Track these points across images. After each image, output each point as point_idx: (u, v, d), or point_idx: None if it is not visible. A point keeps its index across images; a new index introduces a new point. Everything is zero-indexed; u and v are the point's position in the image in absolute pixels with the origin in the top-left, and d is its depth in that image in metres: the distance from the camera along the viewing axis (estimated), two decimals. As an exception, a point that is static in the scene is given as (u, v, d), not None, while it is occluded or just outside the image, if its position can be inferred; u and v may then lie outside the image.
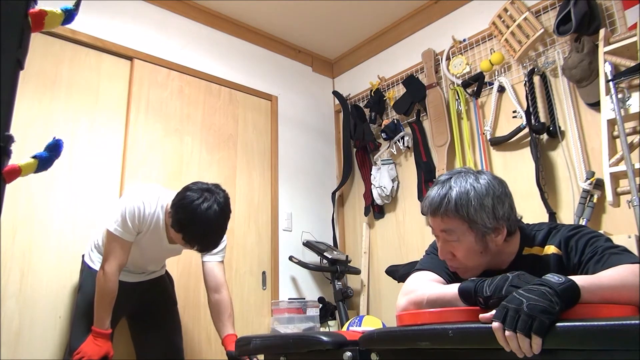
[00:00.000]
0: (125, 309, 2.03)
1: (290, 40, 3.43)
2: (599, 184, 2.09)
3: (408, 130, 3.02)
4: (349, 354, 1.18)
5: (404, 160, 3.08)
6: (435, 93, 2.86)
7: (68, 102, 2.35)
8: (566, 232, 1.14)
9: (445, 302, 1.05)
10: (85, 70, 2.45)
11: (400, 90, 3.11)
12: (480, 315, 0.90)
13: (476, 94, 2.68)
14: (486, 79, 2.66)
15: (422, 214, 1.23)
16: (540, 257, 1.15)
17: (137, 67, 2.62)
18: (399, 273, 2.55)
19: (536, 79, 2.43)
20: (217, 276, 2.02)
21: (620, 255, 1.02)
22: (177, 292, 2.24)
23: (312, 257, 3.05)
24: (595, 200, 2.09)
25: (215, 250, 1.96)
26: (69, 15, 0.81)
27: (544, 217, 2.25)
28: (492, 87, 2.61)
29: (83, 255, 2.06)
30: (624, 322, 0.74)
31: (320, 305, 2.96)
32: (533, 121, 2.35)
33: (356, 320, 2.19)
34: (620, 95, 1.96)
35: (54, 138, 0.89)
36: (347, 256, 3.03)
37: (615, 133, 2.00)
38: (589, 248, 1.08)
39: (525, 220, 1.26)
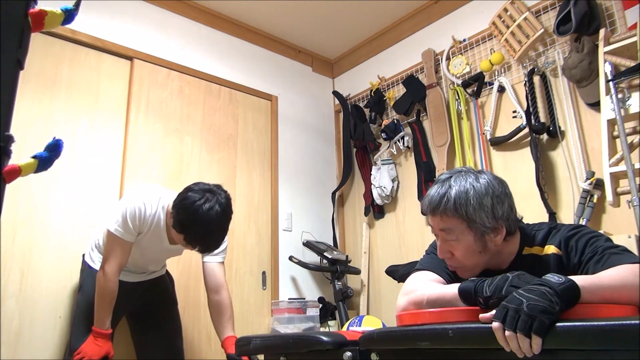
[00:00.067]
0: (126, 308, 2.03)
1: (290, 40, 3.43)
2: (599, 184, 2.09)
3: (408, 130, 3.02)
4: (349, 354, 1.18)
5: (404, 160, 3.08)
6: (435, 93, 2.86)
7: (68, 102, 2.35)
8: (566, 232, 1.14)
9: (445, 302, 1.05)
10: (85, 70, 2.45)
11: (400, 90, 3.11)
12: (480, 315, 0.90)
13: (476, 94, 2.68)
14: (486, 79, 2.66)
15: (422, 213, 1.23)
16: (540, 257, 1.15)
17: (137, 67, 2.62)
18: (399, 273, 2.55)
19: (536, 79, 2.43)
20: (218, 277, 2.02)
21: (620, 255, 1.02)
22: (177, 292, 2.24)
23: (312, 257, 3.05)
24: (595, 200, 2.09)
25: (216, 251, 1.96)
26: (69, 15, 0.81)
27: (544, 217, 2.25)
28: (492, 87, 2.61)
29: (83, 255, 2.06)
30: (624, 322, 0.74)
31: (320, 305, 2.96)
32: (533, 121, 2.35)
33: (356, 320, 2.19)
34: (620, 95, 1.96)
35: (54, 138, 0.89)
36: (347, 256, 3.03)
37: (615, 133, 2.00)
38: (589, 248, 1.08)
39: (525, 220, 1.26)
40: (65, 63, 2.39)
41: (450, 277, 1.22)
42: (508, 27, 2.49)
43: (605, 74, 2.00)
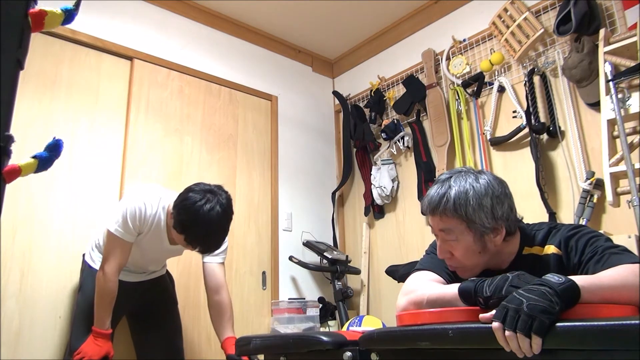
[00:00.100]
0: (126, 308, 2.03)
1: (290, 40, 3.43)
2: (599, 184, 2.09)
3: (408, 130, 3.02)
4: (349, 354, 1.18)
5: (404, 160, 3.08)
6: (435, 93, 2.86)
7: (68, 102, 2.35)
8: (566, 232, 1.14)
9: (445, 302, 1.05)
10: (85, 70, 2.45)
11: (400, 90, 3.11)
12: (480, 315, 0.90)
13: (476, 94, 2.68)
14: (486, 79, 2.66)
15: (422, 213, 1.23)
16: (540, 257, 1.15)
17: (137, 67, 2.62)
18: (399, 273, 2.55)
19: (536, 79, 2.43)
20: (218, 277, 2.01)
21: (620, 255, 1.02)
22: (177, 292, 2.24)
23: (312, 257, 3.05)
24: (595, 200, 2.09)
25: (216, 252, 1.96)
26: (69, 15, 0.81)
27: (544, 217, 2.25)
28: (492, 87, 2.61)
29: (84, 255, 2.06)
30: (624, 322, 0.74)
31: (320, 305, 2.96)
32: (533, 121, 2.35)
33: (356, 320, 2.19)
34: (620, 95, 1.96)
35: (54, 138, 0.89)
36: (347, 256, 3.03)
37: (615, 133, 2.00)
38: (589, 248, 1.08)
39: (525, 220, 1.26)
40: (65, 63, 2.39)
41: (450, 277, 1.22)
42: (508, 27, 2.49)
43: (605, 74, 2.00)
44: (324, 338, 1.25)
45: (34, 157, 0.86)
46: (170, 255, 2.09)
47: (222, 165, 2.86)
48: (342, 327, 2.66)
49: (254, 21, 3.20)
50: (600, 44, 2.08)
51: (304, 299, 2.98)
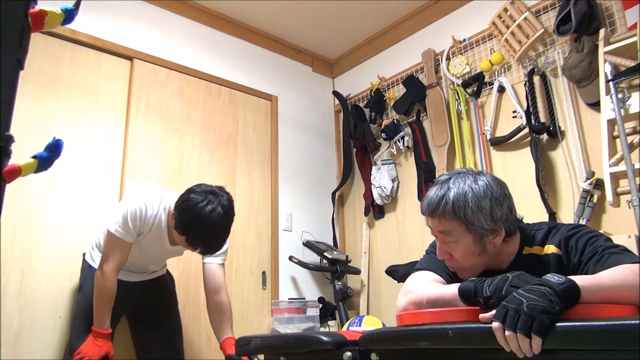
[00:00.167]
0: (126, 308, 2.03)
1: (290, 40, 3.43)
2: (599, 184, 2.09)
3: (408, 130, 3.02)
4: (349, 354, 1.18)
5: (404, 160, 3.08)
6: (435, 93, 2.86)
7: (68, 102, 2.35)
8: (566, 232, 1.14)
9: (445, 302, 1.05)
10: (85, 70, 2.45)
11: (400, 90, 3.11)
12: (480, 315, 0.90)
13: (476, 94, 2.68)
14: (486, 79, 2.66)
15: (422, 214, 1.23)
16: (540, 257, 1.15)
17: (137, 67, 2.62)
18: (399, 273, 2.55)
19: (536, 79, 2.43)
20: (217, 278, 2.01)
21: (620, 255, 1.02)
22: (177, 292, 2.24)
23: (312, 257, 3.05)
24: (595, 200, 2.09)
25: (217, 253, 1.96)
26: (69, 15, 0.81)
27: (544, 217, 2.25)
28: (492, 87, 2.61)
29: (84, 254, 2.06)
30: (624, 322, 0.74)
31: (320, 305, 2.96)
32: (533, 121, 2.35)
33: (356, 320, 2.19)
34: (620, 95, 1.96)
35: (54, 138, 0.89)
36: (347, 256, 3.03)
37: (615, 133, 2.00)
38: (588, 248, 1.08)
39: (525, 220, 1.26)
40: (65, 63, 2.39)
41: (450, 277, 1.22)
42: (508, 27, 2.49)
43: (605, 74, 2.00)
44: (324, 338, 1.25)
45: (34, 157, 0.86)
46: (170, 256, 2.09)
47: (222, 165, 2.86)
48: (342, 327, 2.66)
49: (254, 21, 3.20)
50: (600, 44, 2.08)
51: (304, 299, 2.99)
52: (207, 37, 3.02)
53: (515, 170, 2.46)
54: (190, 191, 1.73)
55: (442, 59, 2.88)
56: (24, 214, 2.11)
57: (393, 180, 3.04)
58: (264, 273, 2.90)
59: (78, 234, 2.23)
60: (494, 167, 2.57)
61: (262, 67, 3.27)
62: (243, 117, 3.06)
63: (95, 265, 1.93)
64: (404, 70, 3.14)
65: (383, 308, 3.00)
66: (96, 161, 2.38)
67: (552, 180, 2.33)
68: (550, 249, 1.14)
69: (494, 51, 2.63)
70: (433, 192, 1.17)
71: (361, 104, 3.38)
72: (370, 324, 2.11)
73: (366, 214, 3.20)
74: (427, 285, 1.17)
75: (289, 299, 2.93)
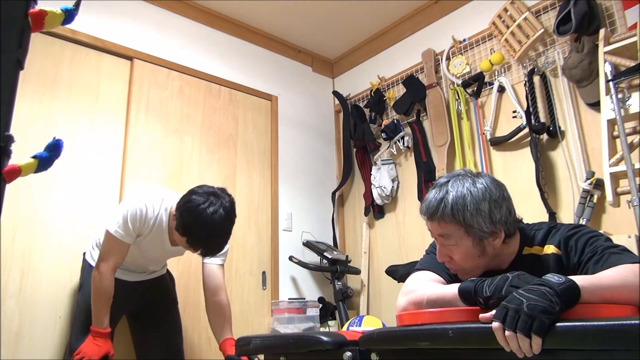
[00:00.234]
0: (126, 308, 2.03)
1: (290, 40, 3.43)
2: (599, 184, 2.08)
3: (408, 130, 3.02)
4: (349, 354, 1.18)
5: (404, 160, 3.08)
6: (435, 93, 2.86)
7: (68, 102, 2.35)
8: (566, 232, 1.14)
9: (445, 302, 1.05)
10: (85, 70, 2.45)
11: (400, 90, 3.11)
12: (480, 315, 0.90)
13: (476, 94, 2.68)
14: (486, 79, 2.66)
15: (422, 217, 1.23)
16: (539, 257, 1.15)
17: (137, 67, 2.62)
18: (399, 273, 2.55)
19: (536, 79, 2.43)
20: (217, 279, 2.01)
21: (620, 255, 1.02)
22: (178, 292, 2.24)
23: (312, 257, 3.05)
24: (595, 200, 2.09)
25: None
26: (69, 15, 0.81)
27: (544, 217, 2.25)
28: (492, 87, 2.61)
29: (84, 254, 2.06)
30: (624, 322, 0.74)
31: (320, 305, 2.96)
32: (533, 121, 2.35)
33: (356, 320, 2.19)
34: (620, 95, 1.96)
35: (54, 138, 0.89)
36: (347, 256, 3.03)
37: (615, 133, 2.00)
38: (588, 248, 1.08)
39: (525, 221, 1.26)
40: (65, 63, 2.39)
41: (450, 277, 1.22)
42: (508, 27, 2.49)
43: (605, 74, 2.00)
44: (324, 338, 1.25)
45: (34, 157, 0.86)
46: (171, 256, 2.09)
47: (222, 165, 2.86)
48: (342, 327, 2.66)
49: (254, 21, 3.20)
50: (600, 44, 2.08)
51: (304, 299, 2.98)
52: (207, 37, 3.02)
53: (515, 170, 2.46)
54: (192, 192, 1.72)
55: (442, 59, 2.88)
56: (24, 214, 2.11)
57: (393, 180, 3.04)
58: (264, 273, 2.90)
59: (78, 234, 2.23)
60: (494, 167, 2.57)
61: (262, 67, 3.27)
62: (243, 117, 3.06)
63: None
64: (404, 70, 3.14)
65: (383, 308, 3.00)
66: (96, 161, 2.38)
67: (552, 180, 2.33)
68: (550, 249, 1.14)
69: (494, 51, 2.63)
70: (432, 195, 1.17)
71: (361, 104, 3.38)
72: (370, 324, 2.11)
73: (366, 214, 3.20)
74: (427, 285, 1.17)
75: (289, 299, 2.93)
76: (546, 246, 1.15)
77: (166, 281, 2.18)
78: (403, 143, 2.99)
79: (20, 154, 0.82)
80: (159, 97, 2.68)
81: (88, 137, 2.38)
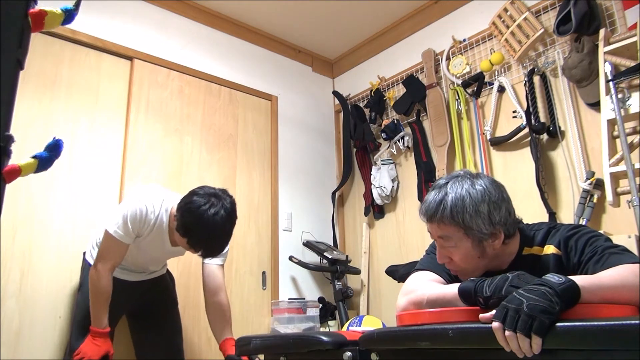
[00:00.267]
0: (126, 308, 2.03)
1: (290, 40, 3.43)
2: (599, 184, 2.08)
3: (408, 130, 3.02)
4: (349, 354, 1.18)
5: (404, 160, 3.08)
6: (435, 93, 2.86)
7: (68, 102, 2.35)
8: (565, 232, 1.14)
9: (445, 302, 1.05)
10: (85, 70, 2.45)
11: (400, 90, 3.11)
12: (480, 315, 0.90)
13: (476, 94, 2.68)
14: (486, 79, 2.66)
15: (421, 218, 1.23)
16: (539, 257, 1.15)
17: (137, 67, 2.62)
18: (399, 273, 2.55)
19: (536, 79, 2.43)
20: (217, 279, 2.01)
21: (620, 255, 1.02)
22: (178, 292, 2.24)
23: (312, 257, 3.05)
24: (595, 200, 2.09)
25: None
26: (69, 15, 0.81)
27: (544, 217, 2.25)
28: (492, 87, 2.61)
29: (84, 253, 2.06)
30: (624, 322, 0.74)
31: (320, 305, 2.96)
32: (533, 121, 2.35)
33: (356, 320, 2.19)
34: (620, 95, 1.96)
35: (54, 138, 0.89)
36: (347, 256, 3.03)
37: (615, 133, 2.00)
38: (588, 248, 1.08)
39: (525, 221, 1.26)
40: (65, 63, 2.39)
41: (450, 277, 1.22)
42: (508, 27, 2.49)
43: (605, 74, 2.00)
44: (324, 338, 1.25)
45: (34, 157, 0.86)
46: (171, 256, 2.09)
47: (222, 165, 2.86)
48: (342, 327, 2.66)
49: (254, 21, 3.20)
50: (600, 44, 2.08)
51: (304, 299, 2.98)
52: (207, 37, 3.02)
53: (515, 170, 2.46)
54: (193, 193, 1.72)
55: (442, 59, 2.88)
56: (24, 214, 2.11)
57: (393, 180, 3.04)
58: (264, 273, 2.90)
59: (78, 234, 2.23)
60: (494, 167, 2.57)
61: (262, 67, 3.27)
62: (243, 117, 3.06)
63: (96, 264, 1.93)
64: (404, 70, 3.14)
65: (383, 308, 3.00)
66: (96, 161, 2.38)
67: (552, 180, 2.33)
68: (550, 249, 1.14)
69: (494, 51, 2.63)
70: (431, 197, 1.17)
71: (361, 104, 3.38)
72: (370, 324, 2.11)
73: (366, 214, 3.20)
74: (427, 285, 1.17)
75: (289, 299, 2.93)
76: (546, 246, 1.15)
77: (166, 281, 2.18)
78: (403, 143, 2.99)
79: (20, 154, 0.82)
80: (159, 97, 2.68)
81: (88, 137, 2.38)
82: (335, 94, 3.57)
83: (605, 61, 2.03)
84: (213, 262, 2.02)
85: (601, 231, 1.99)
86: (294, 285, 3.04)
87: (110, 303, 1.80)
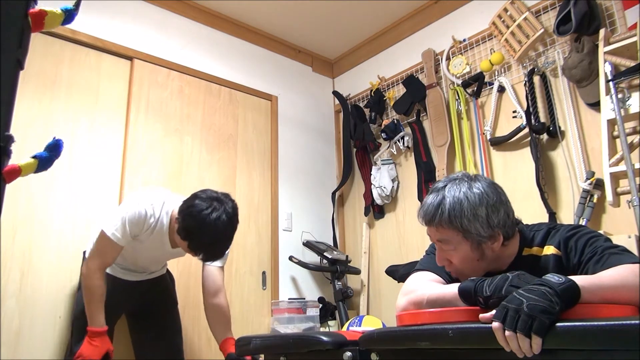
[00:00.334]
0: (126, 307, 2.03)
1: (290, 40, 3.43)
2: (599, 184, 2.08)
3: (408, 130, 3.02)
4: (349, 354, 1.18)
5: (404, 160, 3.08)
6: (435, 93, 2.86)
7: (68, 102, 2.35)
8: (565, 233, 1.14)
9: (445, 302, 1.05)
10: (85, 70, 2.45)
11: (400, 90, 3.11)
12: (480, 315, 0.90)
13: (476, 94, 2.68)
14: (486, 79, 2.66)
15: (420, 222, 1.23)
16: (539, 258, 1.15)
17: (137, 67, 2.62)
18: (399, 273, 2.55)
19: (536, 79, 2.43)
20: (217, 281, 2.01)
21: (620, 255, 1.02)
22: (178, 292, 2.24)
23: (312, 257, 3.05)
24: (595, 200, 2.09)
25: None
26: (69, 15, 0.81)
27: (544, 217, 2.25)
28: (492, 87, 2.61)
29: (84, 252, 2.05)
30: (624, 322, 0.74)
31: (320, 305, 2.96)
32: (533, 121, 2.35)
33: (356, 320, 2.19)
34: (620, 95, 1.96)
35: (54, 138, 0.89)
36: (347, 256, 3.03)
37: (615, 133, 2.00)
38: (588, 248, 1.08)
39: (525, 221, 1.26)
40: (65, 63, 2.39)
41: (450, 277, 1.22)
42: (508, 27, 2.49)
43: (605, 74, 2.00)
44: (324, 338, 1.25)
45: (34, 157, 0.86)
46: (171, 257, 2.08)
47: (222, 165, 2.86)
48: (342, 327, 2.66)
49: (254, 21, 3.20)
50: (600, 44, 2.09)
51: (304, 299, 2.98)
52: (207, 37, 3.02)
53: (515, 170, 2.46)
54: (195, 197, 1.71)
55: (442, 59, 2.88)
56: (24, 214, 2.11)
57: (393, 180, 3.04)
58: (264, 273, 2.90)
59: (78, 234, 2.23)
60: (494, 167, 2.57)
61: (262, 67, 3.27)
62: (243, 117, 3.06)
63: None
64: (404, 70, 3.14)
65: (383, 308, 3.00)
66: (96, 161, 2.38)
67: (552, 180, 2.33)
68: (550, 249, 1.14)
69: (494, 51, 2.63)
70: (429, 201, 1.17)
71: (361, 104, 3.38)
72: (370, 324, 2.11)
73: (366, 214, 3.20)
74: (427, 285, 1.17)
75: (289, 299, 2.93)
76: (546, 247, 1.15)
77: (166, 281, 2.18)
78: (403, 143, 2.99)
79: (20, 154, 0.82)
80: (159, 97, 2.68)
81: (88, 137, 2.38)
82: (335, 94, 3.57)
83: (605, 61, 2.03)
84: (213, 264, 2.02)
85: (601, 231, 1.99)
86: (294, 285, 3.04)
87: (109, 302, 1.79)
